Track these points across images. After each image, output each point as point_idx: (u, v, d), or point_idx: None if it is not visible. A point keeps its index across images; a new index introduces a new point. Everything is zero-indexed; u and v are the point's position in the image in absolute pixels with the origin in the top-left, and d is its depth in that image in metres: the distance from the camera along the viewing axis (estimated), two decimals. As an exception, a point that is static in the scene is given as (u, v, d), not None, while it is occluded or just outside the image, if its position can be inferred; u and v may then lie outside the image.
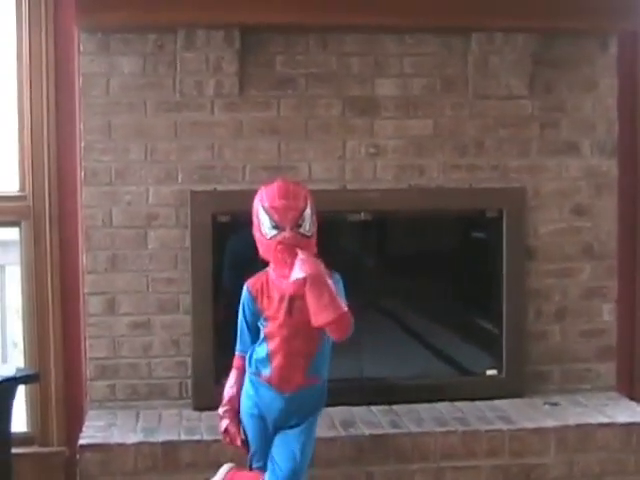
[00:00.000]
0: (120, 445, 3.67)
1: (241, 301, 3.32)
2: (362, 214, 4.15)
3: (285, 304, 3.21)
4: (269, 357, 3.24)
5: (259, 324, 3.28)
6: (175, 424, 3.89)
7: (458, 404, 4.10)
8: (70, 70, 4.06)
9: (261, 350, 3.26)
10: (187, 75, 4.00)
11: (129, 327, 4.05)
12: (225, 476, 3.40)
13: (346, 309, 3.11)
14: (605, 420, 3.94)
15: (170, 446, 3.69)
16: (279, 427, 3.28)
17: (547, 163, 4.25)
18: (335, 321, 3.08)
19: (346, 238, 4.31)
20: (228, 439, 3.33)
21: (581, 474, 3.87)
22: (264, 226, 3.20)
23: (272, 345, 3.23)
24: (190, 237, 4.04)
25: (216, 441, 3.57)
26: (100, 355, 4.04)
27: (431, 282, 4.30)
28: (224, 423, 3.32)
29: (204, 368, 4.04)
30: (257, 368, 3.27)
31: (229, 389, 3.35)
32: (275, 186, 3.25)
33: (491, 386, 4.24)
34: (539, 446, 3.83)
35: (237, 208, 3.98)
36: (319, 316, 3.08)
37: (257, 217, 3.24)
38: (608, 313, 4.32)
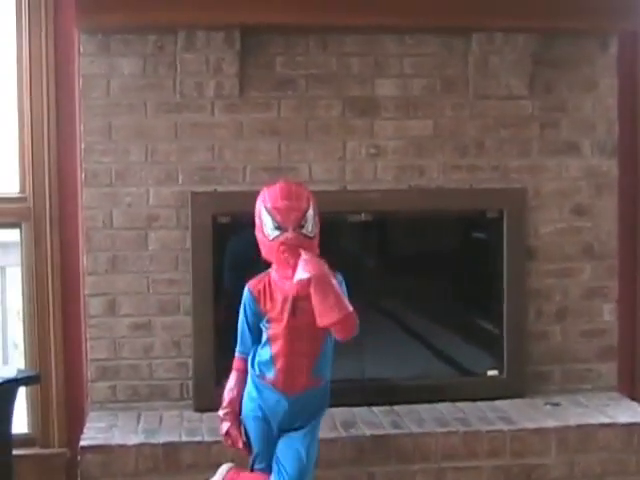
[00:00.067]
0: (121, 446, 3.67)
1: (242, 302, 3.31)
2: (362, 215, 4.15)
3: (289, 306, 3.20)
4: (273, 359, 3.23)
5: (261, 326, 3.27)
6: (176, 425, 3.89)
7: (459, 404, 4.10)
8: (70, 71, 4.06)
9: (264, 352, 3.26)
10: (187, 76, 4.00)
11: (130, 328, 4.05)
12: (225, 476, 3.40)
13: (351, 309, 3.11)
14: (606, 420, 3.94)
15: (171, 447, 3.69)
16: (283, 429, 3.28)
17: (547, 163, 4.25)
18: (341, 321, 3.08)
19: (346, 239, 4.31)
20: (230, 442, 3.32)
21: (582, 474, 3.87)
22: (267, 227, 3.19)
23: (276, 347, 3.23)
24: (191, 238, 4.03)
25: (217, 442, 3.57)
26: (101, 356, 4.04)
27: (432, 282, 4.30)
28: (225, 426, 3.31)
29: (205, 369, 4.04)
30: (261, 371, 3.26)
31: (229, 392, 3.34)
32: (278, 187, 3.24)
33: (492, 386, 4.24)
34: (540, 446, 3.83)
35: (237, 209, 3.99)
36: (325, 317, 3.08)
37: (259, 218, 3.23)
38: (609, 313, 4.32)
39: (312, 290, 3.08)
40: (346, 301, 3.13)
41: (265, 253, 3.25)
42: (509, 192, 4.23)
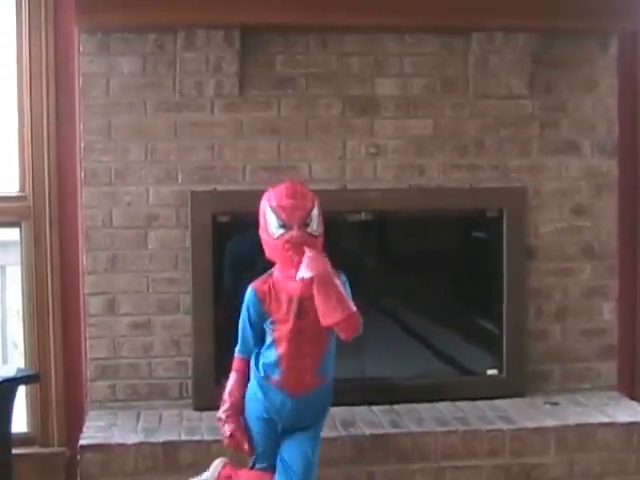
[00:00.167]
0: (121, 445, 3.67)
1: (245, 303, 3.29)
2: (362, 214, 4.15)
3: (294, 306, 3.19)
4: (278, 361, 3.23)
5: (265, 327, 3.26)
6: (175, 424, 3.89)
7: (459, 404, 4.10)
8: (70, 70, 4.06)
9: (270, 354, 3.25)
10: (187, 75, 4.00)
11: (129, 327, 4.05)
12: (220, 471, 3.39)
13: (354, 309, 3.12)
14: (606, 420, 3.94)
15: (170, 446, 3.69)
16: (288, 429, 3.28)
17: (547, 163, 4.25)
18: (344, 321, 3.09)
19: (346, 238, 4.31)
20: (234, 443, 3.29)
21: (581, 474, 3.87)
22: (271, 226, 3.19)
23: (281, 348, 3.22)
24: (190, 237, 4.03)
25: (216, 441, 3.57)
26: (100, 355, 4.04)
27: (432, 282, 4.30)
28: (229, 428, 3.28)
29: (204, 368, 4.04)
30: (265, 372, 3.25)
31: (231, 394, 3.31)
32: (283, 186, 3.25)
33: (492, 386, 4.24)
34: (540, 446, 3.83)
35: (237, 208, 4.00)
36: (327, 316, 3.09)
37: (264, 218, 3.23)
38: (609, 312, 4.32)
39: (315, 290, 3.08)
40: (349, 301, 3.13)
41: (269, 253, 3.24)
42: (509, 191, 4.23)
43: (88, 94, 3.98)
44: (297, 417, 3.27)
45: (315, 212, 3.21)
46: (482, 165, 4.20)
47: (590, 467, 3.87)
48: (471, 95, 4.18)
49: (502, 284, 4.22)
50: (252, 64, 4.04)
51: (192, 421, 3.92)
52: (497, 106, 4.19)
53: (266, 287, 3.26)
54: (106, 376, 4.04)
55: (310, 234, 3.17)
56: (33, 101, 4.06)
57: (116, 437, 3.74)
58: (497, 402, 4.13)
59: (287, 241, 3.15)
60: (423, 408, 4.05)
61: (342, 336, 3.17)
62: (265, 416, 3.28)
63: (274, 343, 3.24)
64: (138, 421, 3.92)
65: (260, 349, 3.29)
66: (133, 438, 3.72)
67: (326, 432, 3.61)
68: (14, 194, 4.15)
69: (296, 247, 3.14)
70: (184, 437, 3.74)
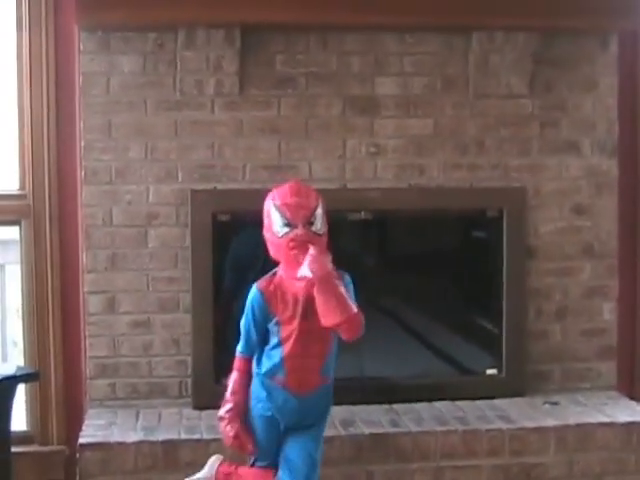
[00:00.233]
0: (120, 444, 3.67)
1: (249, 303, 3.27)
2: (362, 213, 4.15)
3: (300, 307, 3.19)
4: (284, 361, 3.22)
5: (269, 327, 3.25)
6: (175, 423, 3.89)
7: (458, 403, 4.10)
8: (70, 69, 4.05)
9: (275, 354, 3.24)
10: (187, 74, 4.00)
11: (129, 326, 4.05)
12: (217, 469, 3.38)
13: (356, 310, 3.11)
14: (605, 419, 3.94)
15: (170, 445, 3.68)
16: (291, 428, 3.28)
17: (547, 162, 4.25)
18: (344, 322, 3.08)
19: (346, 237, 4.30)
20: (237, 444, 3.27)
21: (581, 473, 3.86)
22: (276, 224, 3.18)
23: (287, 349, 3.21)
24: (190, 236, 4.03)
25: (216, 440, 3.57)
26: (100, 354, 4.04)
27: (431, 281, 4.30)
28: (233, 428, 3.25)
29: (204, 367, 4.03)
30: (271, 372, 3.25)
31: (234, 393, 3.29)
32: (287, 185, 3.25)
33: (491, 385, 4.24)
34: (539, 445, 3.83)
35: (237, 207, 4.00)
36: (327, 318, 3.09)
37: (268, 217, 3.21)
38: (609, 312, 4.32)
39: (315, 291, 3.08)
40: (350, 302, 3.12)
41: (274, 252, 3.23)
42: (509, 191, 4.23)
43: (88, 93, 3.98)
44: (300, 416, 3.27)
45: (319, 211, 3.20)
46: (482, 165, 4.20)
47: (590, 467, 3.87)
48: (471, 94, 4.18)
49: (502, 284, 4.21)
50: (252, 63, 4.04)
51: (191, 420, 3.92)
52: (497, 105, 4.19)
53: (272, 287, 3.24)
54: (106, 374, 4.04)
55: (315, 233, 3.16)
56: (33, 100, 4.06)
57: (115, 436, 3.74)
58: (497, 402, 4.13)
59: (292, 240, 3.14)
60: (423, 407, 4.05)
61: (344, 337, 3.16)
62: (268, 415, 3.27)
63: (280, 343, 3.23)
64: (138, 420, 3.92)
65: (263, 349, 3.29)
66: (133, 437, 3.72)
67: (325, 431, 3.60)
68: (14, 192, 4.15)
69: (301, 246, 3.12)
70: (183, 436, 3.74)
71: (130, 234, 4.03)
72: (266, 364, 3.26)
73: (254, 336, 3.28)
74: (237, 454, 3.39)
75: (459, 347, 4.34)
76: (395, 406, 4.07)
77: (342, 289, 3.12)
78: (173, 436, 3.74)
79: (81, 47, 3.98)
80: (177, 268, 4.05)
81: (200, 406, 3.99)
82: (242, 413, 3.28)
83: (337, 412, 3.85)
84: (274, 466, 3.29)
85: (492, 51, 4.12)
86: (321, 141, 4.10)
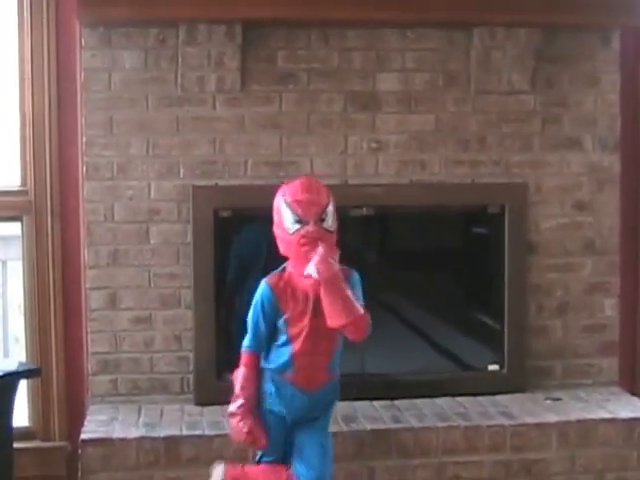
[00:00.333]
0: (122, 440, 3.67)
1: (258, 299, 3.26)
2: (364, 209, 4.14)
3: (310, 305, 3.19)
4: (293, 358, 3.22)
5: (278, 324, 3.24)
6: (177, 419, 3.89)
7: (460, 399, 4.10)
8: (72, 65, 4.05)
9: (284, 351, 3.24)
10: (189, 70, 3.99)
11: (131, 322, 4.05)
12: (224, 476, 3.35)
13: (361, 312, 3.11)
14: (607, 415, 3.94)
15: (172, 441, 3.68)
16: (298, 422, 3.29)
17: (549, 158, 4.25)
18: (350, 324, 3.09)
19: (348, 233, 4.27)
20: (251, 439, 3.24)
21: (583, 469, 3.87)
22: (286, 221, 3.17)
23: (297, 346, 3.21)
24: (192, 232, 4.03)
25: (218, 436, 3.58)
26: (102, 350, 4.04)
27: (433, 277, 4.30)
28: (245, 424, 3.22)
29: (206, 363, 4.04)
30: (279, 368, 3.25)
31: (243, 389, 3.26)
32: (298, 182, 3.24)
33: (493, 381, 4.24)
34: (541, 441, 3.83)
35: (239, 203, 4.00)
36: (334, 319, 3.09)
37: (279, 213, 3.20)
38: (610, 308, 4.32)
39: (322, 292, 3.08)
40: (356, 303, 3.12)
41: (284, 249, 3.22)
42: (511, 187, 4.22)
43: (90, 88, 3.98)
44: (309, 411, 3.28)
45: (330, 208, 3.19)
46: (484, 161, 4.20)
47: (591, 463, 3.87)
48: (473, 90, 4.17)
49: (503, 280, 4.21)
50: (254, 59, 4.04)
51: (193, 416, 3.92)
52: (499, 101, 4.19)
53: (282, 284, 3.24)
54: (107, 370, 4.05)
55: (326, 229, 3.16)
56: (35, 95, 4.06)
57: (117, 431, 3.74)
58: (498, 397, 4.13)
59: (303, 236, 3.12)
60: (424, 403, 4.06)
61: (350, 337, 3.16)
62: (277, 410, 3.28)
63: (289, 340, 3.23)
64: (139, 416, 3.92)
65: (270, 344, 3.28)
66: (134, 433, 3.72)
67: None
68: (16, 188, 4.15)
69: (312, 242, 3.11)
70: (185, 432, 3.74)
71: (132, 230, 4.03)
72: (275, 361, 3.26)
73: (263, 331, 3.27)
74: (237, 453, 3.38)
75: (460, 343, 4.34)
76: (397, 402, 4.07)
77: (348, 291, 3.11)
78: (175, 432, 3.74)
79: (82, 43, 3.97)
80: (179, 264, 4.05)
81: (202, 402, 4.00)
82: (253, 408, 3.27)
83: (339, 408, 3.84)
84: (281, 461, 3.30)
85: (493, 47, 4.12)
86: (323, 137, 4.10)
